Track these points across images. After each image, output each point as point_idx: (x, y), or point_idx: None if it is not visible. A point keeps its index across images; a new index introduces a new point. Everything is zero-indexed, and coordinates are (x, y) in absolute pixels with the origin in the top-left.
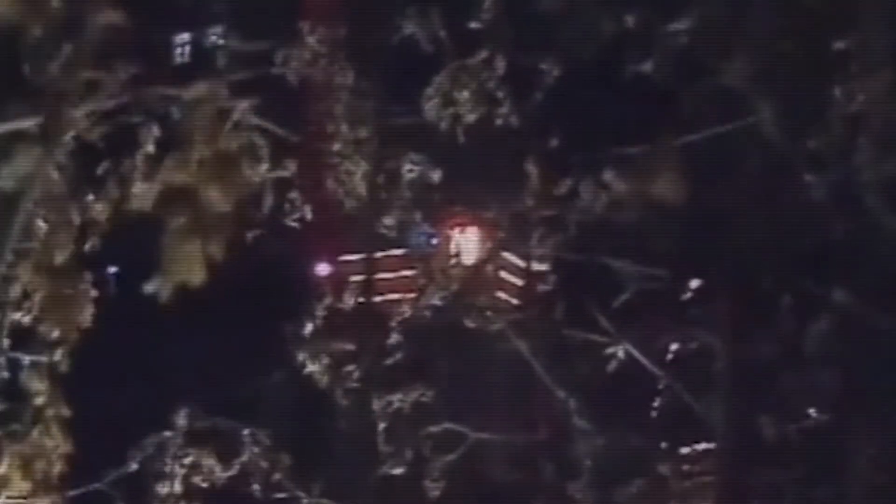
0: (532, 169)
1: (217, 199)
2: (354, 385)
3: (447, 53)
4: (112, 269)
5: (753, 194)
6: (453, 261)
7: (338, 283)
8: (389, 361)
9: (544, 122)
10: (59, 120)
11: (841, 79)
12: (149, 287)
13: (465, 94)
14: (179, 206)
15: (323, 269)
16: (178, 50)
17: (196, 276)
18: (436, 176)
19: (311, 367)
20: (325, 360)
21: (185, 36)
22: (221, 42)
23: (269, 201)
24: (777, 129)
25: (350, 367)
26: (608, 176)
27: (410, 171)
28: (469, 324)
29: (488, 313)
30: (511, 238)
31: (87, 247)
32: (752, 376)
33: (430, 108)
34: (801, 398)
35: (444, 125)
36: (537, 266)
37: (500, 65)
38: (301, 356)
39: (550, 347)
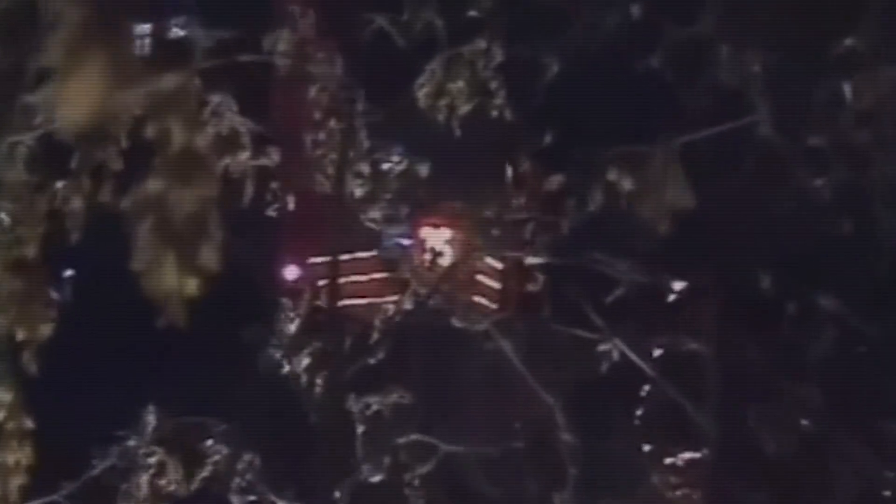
0: (523, 164)
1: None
2: (332, 386)
3: (442, 41)
4: (69, 272)
5: (753, 195)
6: (429, 262)
7: (308, 286)
8: (371, 361)
9: (541, 116)
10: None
11: (848, 75)
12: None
13: (460, 83)
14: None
15: (292, 272)
16: (139, 42)
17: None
18: (423, 169)
19: (288, 368)
20: (305, 361)
21: (145, 27)
22: (185, 33)
23: (249, 192)
24: (779, 127)
25: (327, 369)
26: (613, 175)
27: (397, 163)
28: (454, 322)
29: (472, 313)
30: (493, 238)
31: (55, 242)
32: (744, 383)
33: (422, 97)
34: (795, 408)
35: (437, 116)
36: (519, 267)
37: (498, 54)
38: (277, 356)
39: (536, 346)
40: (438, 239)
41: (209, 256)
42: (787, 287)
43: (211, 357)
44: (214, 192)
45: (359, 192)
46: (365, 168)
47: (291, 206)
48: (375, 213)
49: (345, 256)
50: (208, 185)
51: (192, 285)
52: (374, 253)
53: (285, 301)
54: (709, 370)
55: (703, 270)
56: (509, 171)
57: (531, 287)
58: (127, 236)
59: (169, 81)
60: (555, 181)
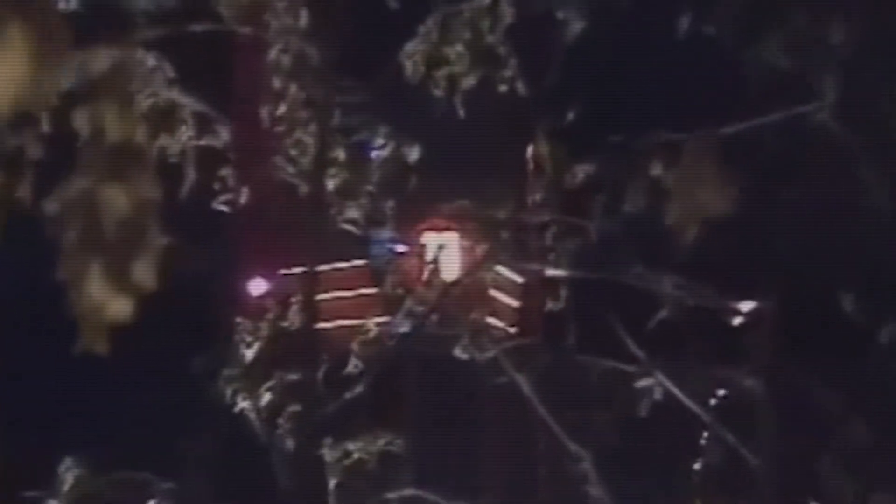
0: (541, 151)
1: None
2: (302, 428)
3: None
4: None
5: (828, 197)
6: (427, 275)
7: (278, 302)
8: (351, 396)
9: (561, 90)
10: None
11: None
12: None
13: (460, 49)
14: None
15: (258, 286)
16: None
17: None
18: (414, 155)
19: (244, 406)
20: (266, 397)
21: None
22: None
23: (191, 178)
24: (848, 118)
25: (295, 406)
26: (657, 168)
27: (381, 146)
28: (458, 351)
29: (480, 339)
30: (506, 245)
31: None
32: (818, 430)
33: (412, 66)
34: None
35: (432, 90)
36: (539, 281)
37: (507, 13)
38: (232, 391)
39: (560, 381)
40: (439, 245)
41: (144, 271)
42: (877, 310)
43: (149, 394)
44: (156, 194)
45: (332, 183)
46: (339, 153)
47: (245, 198)
48: (352, 212)
49: (321, 267)
50: (149, 185)
51: (121, 306)
52: (358, 263)
53: (242, 322)
54: (773, 413)
55: (766, 289)
56: (525, 160)
57: (552, 306)
58: (50, 242)
59: (103, 58)
60: (580, 173)
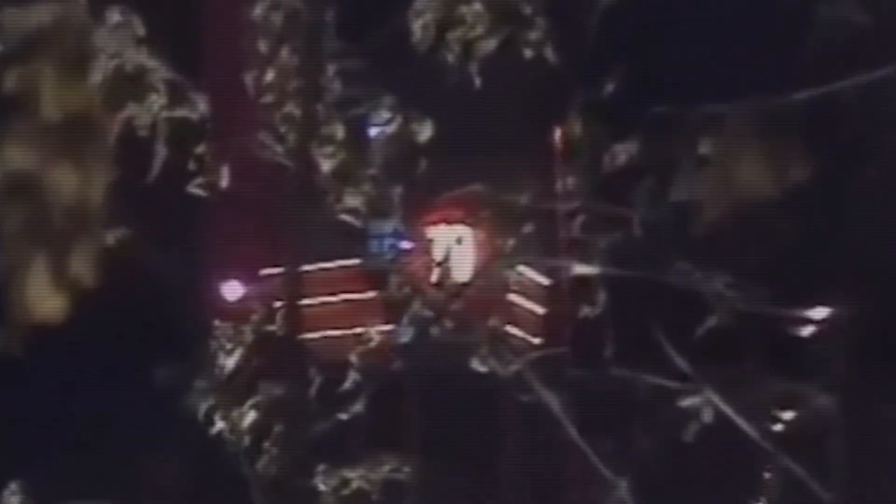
0: (573, 128)
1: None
2: (289, 452)
3: None
4: None
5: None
6: (436, 275)
7: (263, 305)
8: (345, 414)
9: (598, 56)
10: None
11: None
12: None
13: (477, 7)
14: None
15: (234, 290)
16: None
17: (51, 308)
18: (424, 133)
19: (222, 426)
20: (249, 416)
21: None
22: None
23: (161, 158)
24: None
25: (283, 426)
26: (707, 146)
27: (385, 122)
28: (474, 364)
29: (501, 350)
30: (531, 239)
31: None
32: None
33: (421, 28)
34: None
35: (445, 56)
36: (570, 282)
37: None
38: (207, 408)
39: (594, 399)
40: (451, 240)
41: (83, 265)
42: None
43: (107, 410)
44: (109, 174)
45: (328, 165)
46: (337, 130)
47: (224, 181)
48: (353, 200)
49: (314, 265)
50: (103, 165)
51: (54, 304)
52: (355, 261)
53: (220, 326)
54: (849, 439)
55: (841, 291)
56: (554, 139)
57: (585, 312)
58: None
59: (43, 12)
60: (621, 154)
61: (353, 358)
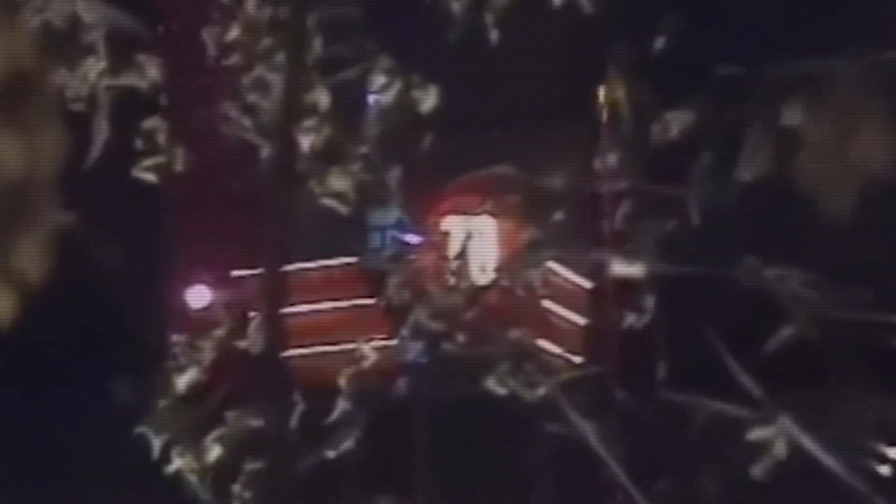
0: (614, 93)
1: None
2: (265, 495)
3: None
4: None
5: None
6: (450, 275)
7: (230, 316)
8: (332, 450)
9: (644, 5)
10: None
11: None
12: None
13: None
14: None
15: (199, 295)
16: None
17: None
18: (428, 101)
19: (181, 463)
20: (214, 451)
21: None
22: None
23: (102, 134)
24: None
25: (257, 464)
26: (792, 116)
27: (382, 87)
28: (494, 385)
29: (529, 369)
30: (564, 230)
31: None
32: None
33: None
34: None
35: (450, 5)
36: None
37: None
38: (161, 442)
39: (641, 430)
40: (468, 233)
41: (30, 258)
42: None
43: (40, 438)
44: (59, 146)
45: (309, 141)
46: (320, 98)
47: (180, 164)
48: (339, 183)
49: (294, 267)
50: (49, 132)
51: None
52: (348, 260)
53: (179, 341)
54: None
55: None
56: (593, 107)
57: (632, 321)
58: None
59: None
60: (673, 124)
61: (344, 380)
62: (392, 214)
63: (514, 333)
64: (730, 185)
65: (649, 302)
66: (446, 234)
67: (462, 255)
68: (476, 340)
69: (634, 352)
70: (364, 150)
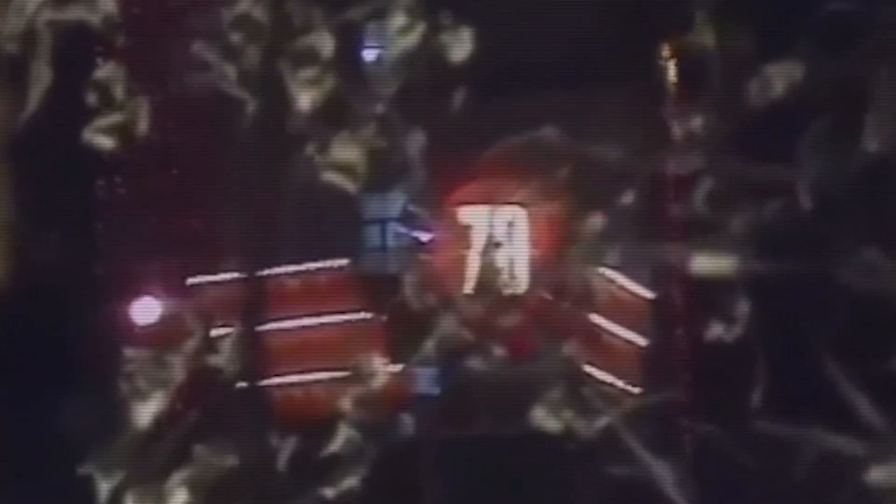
0: (701, 39)
1: None
2: None
3: None
4: None
5: None
6: (472, 283)
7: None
8: (330, 490)
9: None
10: None
11: None
12: None
13: None
14: None
15: (147, 309)
16: None
17: None
18: (462, 48)
19: None
20: (177, 498)
21: None
22: None
23: (43, 83)
24: None
25: None
26: None
27: (400, 32)
28: (532, 418)
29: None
30: (627, 221)
31: None
32: None
33: None
34: None
35: None
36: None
37: None
38: (109, 487)
39: (730, 474)
40: (497, 223)
41: None
42: None
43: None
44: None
45: (307, 97)
46: (322, 43)
47: (145, 125)
48: (346, 151)
49: (275, 270)
50: None
51: None
52: (342, 262)
53: (135, 358)
54: None
55: None
56: (660, 56)
57: (720, 333)
58: None
59: None
60: (776, 81)
61: (346, 406)
62: (396, 203)
63: (564, 350)
64: (851, 159)
65: (741, 309)
66: (467, 227)
67: (488, 249)
68: (516, 359)
69: (719, 373)
70: (377, 108)
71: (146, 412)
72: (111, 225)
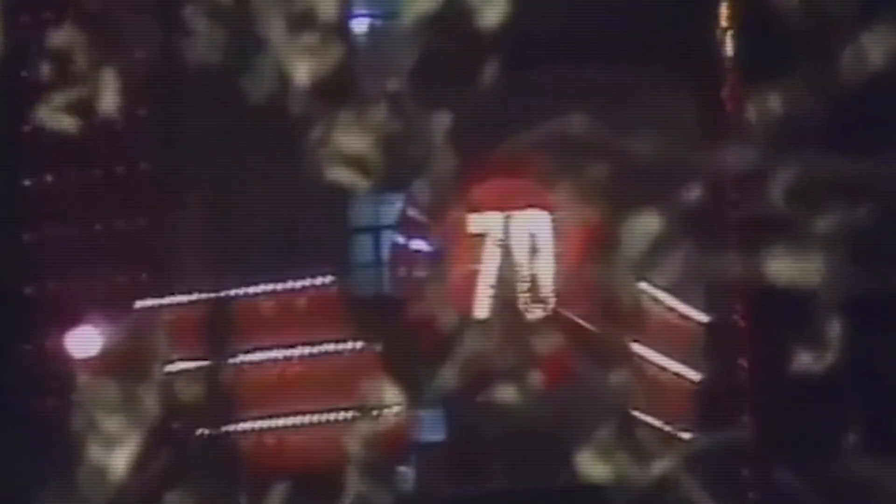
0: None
1: None
2: None
3: None
4: None
5: None
6: (487, 304)
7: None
8: None
9: None
10: None
11: None
12: None
13: None
14: None
15: (85, 340)
16: None
17: None
18: (492, 14)
19: None
20: None
21: None
22: None
23: None
24: None
25: None
26: None
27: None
28: (581, 464)
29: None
30: (682, 226)
31: None
32: None
33: None
34: None
35: None
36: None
37: None
38: None
39: None
40: (520, 230)
41: None
42: None
43: None
44: None
45: (306, 69)
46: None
47: (113, 99)
48: (354, 139)
49: (245, 290)
50: None
51: None
52: (326, 280)
53: (85, 382)
54: None
55: None
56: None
57: (806, 362)
58: None
59: None
60: (874, 49)
61: (353, 448)
62: (392, 208)
63: (616, 377)
64: None
65: (832, 331)
66: (478, 237)
67: (509, 259)
68: (558, 382)
69: (804, 406)
70: (391, 84)
71: (117, 457)
72: (40, 233)
